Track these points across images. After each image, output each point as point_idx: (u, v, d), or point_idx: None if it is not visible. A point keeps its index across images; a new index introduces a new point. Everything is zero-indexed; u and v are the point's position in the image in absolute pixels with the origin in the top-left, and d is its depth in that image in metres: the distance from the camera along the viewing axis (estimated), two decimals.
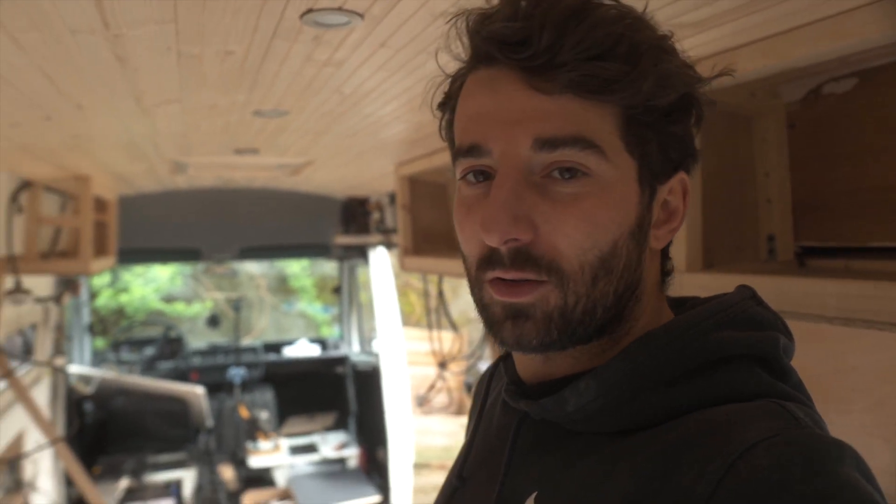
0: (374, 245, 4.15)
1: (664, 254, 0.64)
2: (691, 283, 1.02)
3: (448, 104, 0.63)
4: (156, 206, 3.76)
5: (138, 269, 7.18)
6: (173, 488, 3.94)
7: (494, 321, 0.57)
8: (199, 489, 4.08)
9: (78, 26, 0.90)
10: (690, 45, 0.83)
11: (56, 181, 2.50)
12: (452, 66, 0.62)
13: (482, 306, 0.59)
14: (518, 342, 0.56)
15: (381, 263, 4.26)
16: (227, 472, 4.23)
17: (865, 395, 1.09)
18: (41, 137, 1.73)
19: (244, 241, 4.17)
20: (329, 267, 6.18)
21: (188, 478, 4.01)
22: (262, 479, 4.37)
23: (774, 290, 0.92)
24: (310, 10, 0.87)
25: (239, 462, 4.38)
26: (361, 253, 4.41)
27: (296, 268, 7.60)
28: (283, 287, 7.55)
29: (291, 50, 1.06)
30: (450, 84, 0.63)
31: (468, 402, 4.90)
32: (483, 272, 0.56)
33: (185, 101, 1.41)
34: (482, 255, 0.56)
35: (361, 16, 0.89)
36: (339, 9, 0.86)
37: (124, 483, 3.83)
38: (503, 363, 0.70)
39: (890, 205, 0.95)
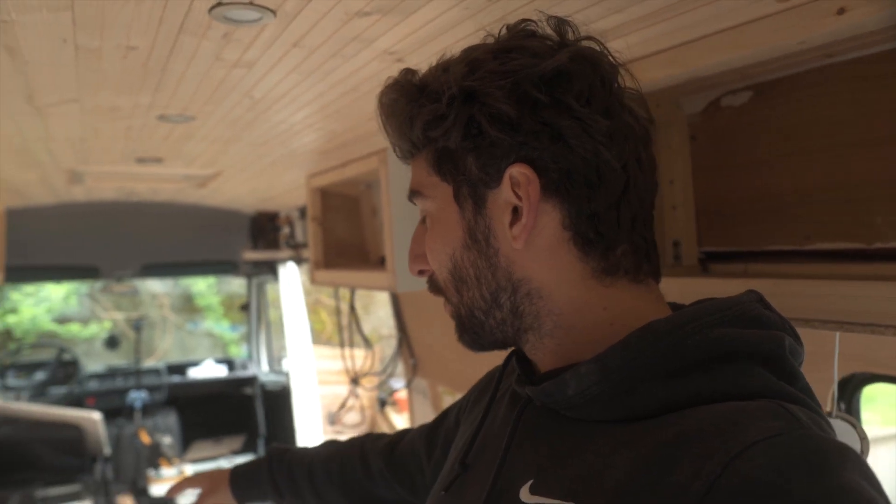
0: (284, 261, 4.05)
1: (588, 250, 0.61)
2: None
3: None
4: (50, 220, 3.54)
5: (28, 288, 6.70)
6: None
7: None
8: None
9: None
10: None
11: None
12: None
13: None
14: (462, 344, 0.71)
15: (290, 279, 4.16)
16: (127, 503, 3.99)
17: None
18: None
19: (146, 258, 3.97)
20: (237, 284, 5.97)
21: None
22: None
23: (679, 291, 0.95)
24: (219, 4, 0.84)
25: (140, 491, 4.12)
26: (271, 269, 4.29)
27: (202, 286, 7.29)
28: (188, 306, 7.22)
29: (200, 47, 1.02)
30: None
31: (381, 420, 4.83)
32: None
33: (83, 102, 1.33)
34: None
35: (274, 12, 0.87)
36: (250, 3, 0.83)
37: None
38: (515, 357, 0.73)
39: (784, 210, 1.01)
